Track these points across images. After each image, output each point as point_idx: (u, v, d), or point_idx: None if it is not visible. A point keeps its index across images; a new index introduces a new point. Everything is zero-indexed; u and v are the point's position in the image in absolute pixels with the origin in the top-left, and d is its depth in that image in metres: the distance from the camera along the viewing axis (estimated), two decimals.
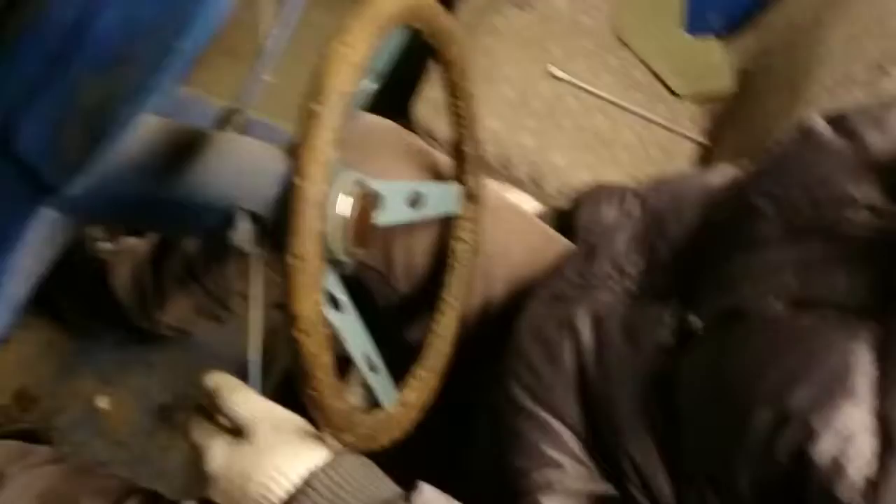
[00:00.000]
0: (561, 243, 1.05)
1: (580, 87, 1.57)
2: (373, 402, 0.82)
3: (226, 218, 0.81)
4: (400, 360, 0.85)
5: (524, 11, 1.61)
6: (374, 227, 0.79)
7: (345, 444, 0.72)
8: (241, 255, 0.79)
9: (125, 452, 1.31)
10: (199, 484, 0.75)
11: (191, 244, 1.24)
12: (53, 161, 0.45)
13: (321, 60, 0.66)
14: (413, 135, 1.08)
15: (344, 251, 0.75)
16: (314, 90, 0.65)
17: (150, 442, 1.32)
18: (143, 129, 0.83)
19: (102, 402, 1.34)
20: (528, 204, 1.18)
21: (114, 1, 0.41)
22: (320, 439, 0.73)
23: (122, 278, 1.28)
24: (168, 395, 1.36)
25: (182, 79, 0.66)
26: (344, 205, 0.74)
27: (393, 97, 1.32)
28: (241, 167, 0.80)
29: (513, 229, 1.05)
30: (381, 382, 0.81)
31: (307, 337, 0.64)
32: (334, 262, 0.76)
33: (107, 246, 1.32)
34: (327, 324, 0.67)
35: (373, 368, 0.80)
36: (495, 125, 1.45)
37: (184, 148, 0.81)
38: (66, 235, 0.87)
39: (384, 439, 0.77)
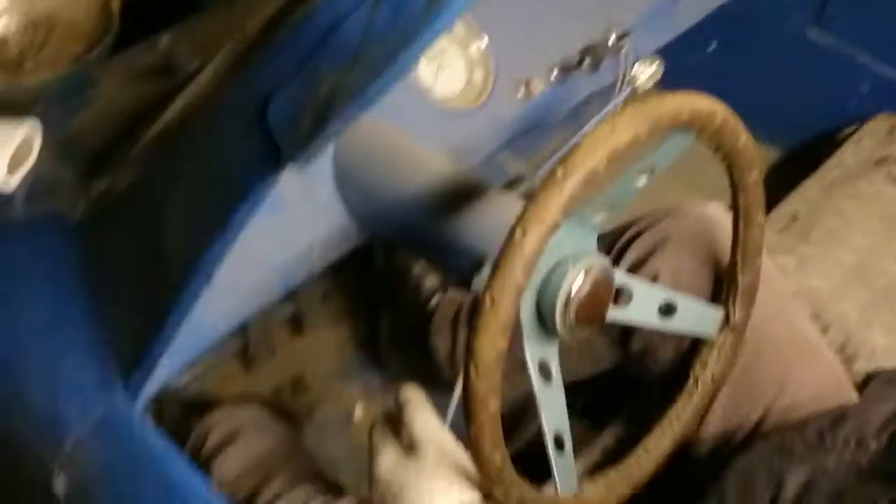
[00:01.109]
0: (850, 397, 0.98)
1: None
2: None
3: (478, 265, 0.87)
4: None
5: None
6: (602, 315, 0.79)
7: (496, 497, 0.73)
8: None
9: (357, 463, 1.39)
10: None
11: None
12: (289, 135, 0.53)
13: (587, 135, 0.69)
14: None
15: (563, 325, 0.76)
16: (569, 156, 0.67)
17: None
18: (431, 169, 0.93)
19: (358, 411, 1.45)
20: None
21: (356, 12, 0.48)
22: (475, 483, 0.74)
23: (440, 326, 1.34)
24: None
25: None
26: (575, 281, 0.75)
27: None
28: (505, 224, 0.85)
29: (813, 373, 0.98)
30: (563, 465, 0.79)
31: (478, 378, 0.66)
32: (553, 333, 0.77)
33: (437, 296, 1.42)
34: (501, 370, 0.68)
35: (559, 448, 0.79)
36: (819, 285, 1.36)
37: (461, 194, 0.89)
38: (348, 242, 0.98)
39: None
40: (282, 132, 0.52)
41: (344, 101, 0.49)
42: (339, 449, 1.41)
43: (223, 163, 0.59)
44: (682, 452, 0.96)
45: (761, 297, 0.96)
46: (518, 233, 0.65)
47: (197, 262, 0.60)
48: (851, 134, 1.65)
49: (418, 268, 1.42)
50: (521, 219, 0.66)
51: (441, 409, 1.38)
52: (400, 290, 1.45)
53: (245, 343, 1.45)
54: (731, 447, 0.96)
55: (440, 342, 1.32)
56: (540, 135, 1.34)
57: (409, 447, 0.77)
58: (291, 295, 1.48)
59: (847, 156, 1.59)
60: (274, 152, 0.53)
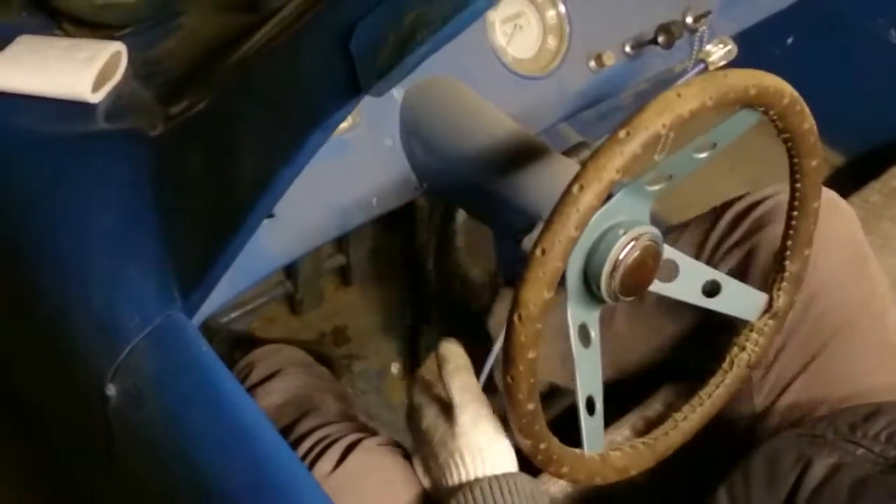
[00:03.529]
0: None
1: None
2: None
3: (529, 225, 0.89)
4: None
5: None
6: (647, 285, 0.80)
7: (523, 448, 0.75)
8: None
9: (390, 416, 1.43)
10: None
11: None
12: (368, 63, 0.55)
13: (654, 99, 0.70)
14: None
15: (608, 291, 0.77)
16: (633, 117, 0.68)
17: None
18: (496, 128, 0.94)
19: (395, 369, 1.49)
20: None
21: None
22: (509, 448, 0.78)
23: (499, 318, 1.32)
24: None
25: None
26: (625, 247, 0.76)
27: None
28: (562, 187, 0.86)
29: (891, 380, 0.97)
30: (592, 427, 0.81)
31: (521, 325, 0.68)
32: (597, 298, 0.79)
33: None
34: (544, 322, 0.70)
35: (591, 411, 0.81)
36: None
37: (522, 155, 0.91)
38: (407, 194, 1.01)
39: (563, 471, 0.78)
40: (362, 61, 0.54)
41: (425, 34, 0.51)
42: (373, 402, 1.45)
43: (301, 89, 0.62)
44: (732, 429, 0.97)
45: (865, 294, 0.97)
46: (575, 188, 0.67)
47: (267, 185, 0.63)
48: None
49: (463, 265, 1.44)
50: (579, 174, 0.67)
51: None
52: (448, 294, 1.48)
53: (293, 289, 1.50)
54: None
55: (495, 320, 1.33)
56: (601, 118, 1.35)
57: (447, 407, 0.80)
58: (342, 248, 1.53)
59: None
60: (352, 82, 0.55)
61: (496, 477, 0.75)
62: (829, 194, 1.04)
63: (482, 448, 0.77)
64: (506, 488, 0.75)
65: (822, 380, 0.97)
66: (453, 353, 0.83)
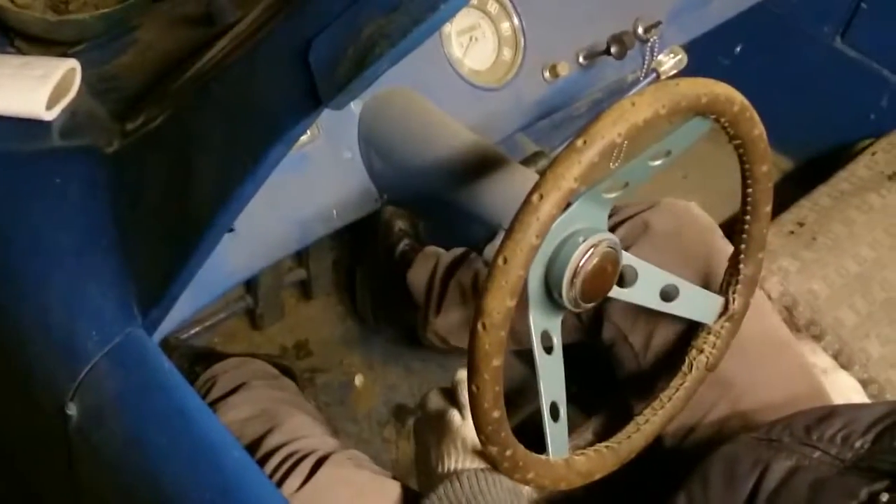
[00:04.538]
0: (824, 399, 1.01)
1: None
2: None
3: (490, 234, 0.90)
4: None
5: None
6: (606, 291, 0.81)
7: (488, 455, 0.76)
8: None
9: (354, 428, 1.43)
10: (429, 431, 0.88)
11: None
12: (327, 76, 0.55)
13: (609, 108, 0.71)
14: (723, 240, 1.06)
15: (568, 298, 0.78)
16: (589, 126, 0.69)
17: (377, 429, 1.43)
18: (454, 139, 0.95)
19: (358, 380, 1.49)
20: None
21: None
22: None
23: (419, 275, 1.37)
24: (410, 400, 1.46)
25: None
26: (584, 255, 0.77)
27: None
28: (520, 195, 0.87)
29: (783, 373, 1.01)
30: (556, 433, 0.82)
31: (485, 333, 0.69)
32: (558, 305, 0.80)
33: (414, 245, 1.47)
34: (508, 328, 0.70)
35: (555, 417, 0.81)
36: (819, 289, 1.38)
37: (481, 165, 0.91)
38: (367, 206, 1.01)
39: (529, 477, 0.78)
40: (321, 74, 0.55)
41: (384, 47, 0.52)
42: (337, 415, 1.45)
43: (260, 103, 0.62)
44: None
45: None
46: (535, 197, 0.68)
47: (227, 199, 0.63)
48: (866, 147, 1.68)
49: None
50: (539, 184, 0.68)
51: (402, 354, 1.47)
52: (371, 233, 1.51)
53: (254, 303, 1.49)
54: (694, 438, 0.99)
55: (416, 296, 1.36)
56: (556, 128, 1.37)
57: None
58: (302, 261, 1.53)
59: (860, 168, 1.61)
60: (311, 95, 0.55)
61: (482, 469, 0.80)
62: (684, 205, 1.08)
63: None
64: (491, 481, 0.79)
65: (713, 379, 0.97)
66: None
